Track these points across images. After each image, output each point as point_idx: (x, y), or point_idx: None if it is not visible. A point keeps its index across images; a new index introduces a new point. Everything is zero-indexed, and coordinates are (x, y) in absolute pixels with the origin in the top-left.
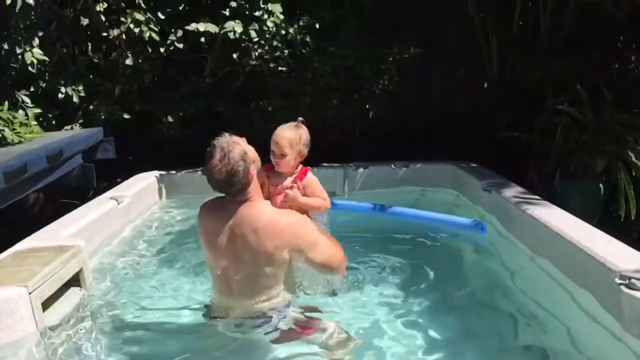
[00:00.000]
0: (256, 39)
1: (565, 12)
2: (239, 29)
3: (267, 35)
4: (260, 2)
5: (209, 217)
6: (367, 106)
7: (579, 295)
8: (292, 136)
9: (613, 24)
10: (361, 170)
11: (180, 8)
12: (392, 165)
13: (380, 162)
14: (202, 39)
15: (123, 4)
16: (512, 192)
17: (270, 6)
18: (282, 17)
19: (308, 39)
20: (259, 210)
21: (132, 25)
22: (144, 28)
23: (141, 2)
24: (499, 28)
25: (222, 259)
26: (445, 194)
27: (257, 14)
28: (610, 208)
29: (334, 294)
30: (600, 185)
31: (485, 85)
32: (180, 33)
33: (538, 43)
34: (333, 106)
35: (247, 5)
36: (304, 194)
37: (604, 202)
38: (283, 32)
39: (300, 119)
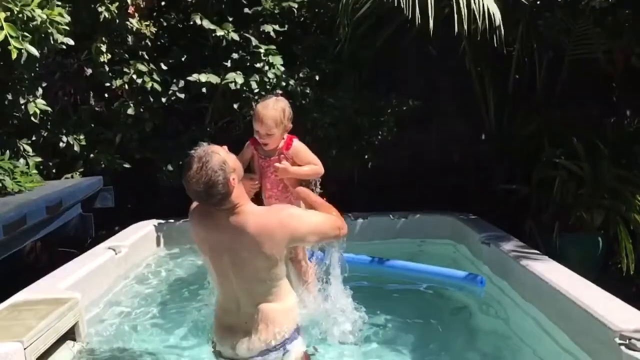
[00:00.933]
0: (257, 90)
1: (560, 67)
2: (240, 80)
3: (268, 87)
4: (262, 55)
5: (199, 225)
6: (366, 156)
7: (578, 354)
8: (276, 114)
9: (607, 80)
10: (360, 220)
11: (183, 59)
12: (391, 216)
13: (379, 212)
14: (204, 89)
15: (126, 55)
16: (511, 245)
17: (271, 58)
18: (282, 69)
19: (308, 91)
20: (246, 217)
21: (134, 76)
22: (147, 79)
23: (144, 53)
24: (495, 82)
25: (219, 267)
26: (444, 246)
27: (258, 65)
28: (609, 262)
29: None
30: (599, 239)
31: (483, 137)
32: (182, 83)
33: (534, 97)
34: (332, 156)
35: (249, 57)
36: (294, 164)
37: (603, 256)
38: (283, 83)
39: (278, 91)
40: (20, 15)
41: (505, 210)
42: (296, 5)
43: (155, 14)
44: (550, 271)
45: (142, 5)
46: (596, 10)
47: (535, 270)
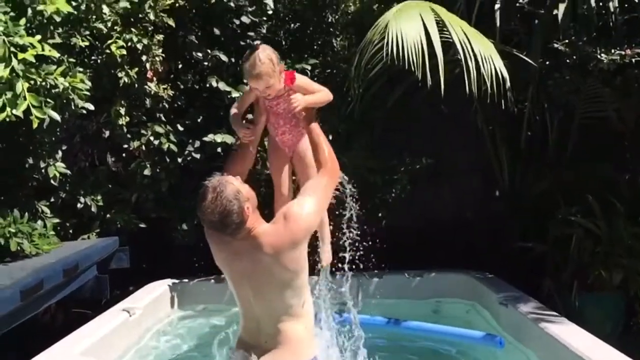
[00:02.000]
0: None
1: (572, 125)
2: None
3: None
4: None
5: (218, 250)
6: (380, 215)
7: None
8: (268, 66)
9: (619, 137)
10: (375, 279)
11: (199, 120)
12: (406, 275)
13: (394, 271)
14: (219, 149)
15: (144, 118)
16: (530, 307)
17: None
18: None
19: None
20: (260, 240)
21: (152, 138)
22: (164, 140)
23: (162, 115)
24: (507, 140)
25: (240, 289)
26: (460, 305)
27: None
28: (631, 322)
29: None
30: (619, 298)
31: (497, 194)
32: (197, 144)
33: (547, 154)
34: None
35: None
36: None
37: (624, 316)
38: None
39: (257, 42)
40: (44, 84)
41: (520, 268)
42: (309, 67)
43: (172, 76)
44: (571, 334)
45: (160, 70)
46: (605, 71)
47: (555, 333)
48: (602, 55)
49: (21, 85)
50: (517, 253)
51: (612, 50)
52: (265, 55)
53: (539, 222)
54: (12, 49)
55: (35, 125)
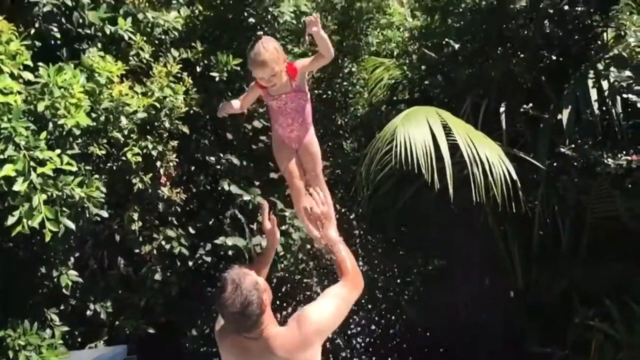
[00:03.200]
0: (282, 253)
1: (584, 224)
2: (265, 244)
3: (293, 248)
4: (287, 218)
5: (229, 349)
6: (393, 317)
7: None
8: (272, 54)
9: (633, 236)
10: None
11: (210, 223)
12: None
13: None
14: (230, 252)
15: (157, 222)
16: None
17: (296, 222)
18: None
19: None
20: (273, 342)
21: (163, 242)
22: (175, 244)
23: (174, 219)
24: (519, 239)
25: None
26: None
27: (283, 227)
28: None
29: None
30: None
31: (512, 294)
32: (209, 246)
33: (560, 253)
34: (358, 317)
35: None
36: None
37: None
38: (308, 246)
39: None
40: (60, 194)
41: None
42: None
43: (185, 177)
44: None
45: (173, 174)
46: (612, 173)
47: None
48: (609, 160)
49: (38, 199)
50: (536, 357)
51: (619, 155)
52: (270, 44)
53: (556, 324)
54: (31, 163)
55: (47, 239)
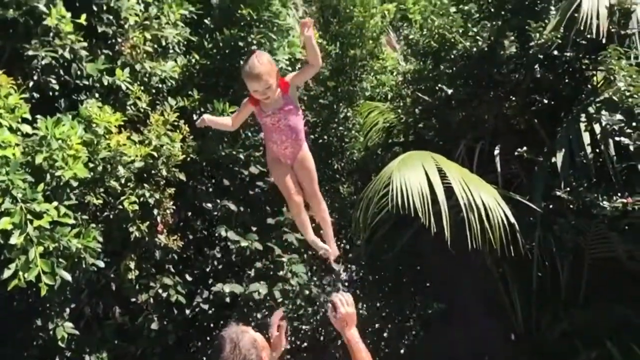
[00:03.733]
0: (280, 299)
1: (582, 265)
2: (263, 290)
3: (291, 295)
4: (285, 263)
5: None
6: None
7: None
8: (266, 66)
9: (632, 277)
10: None
11: (207, 269)
12: None
13: None
14: (228, 299)
15: (153, 270)
16: None
17: (294, 267)
18: (305, 277)
19: None
20: None
21: (160, 290)
22: (172, 291)
23: (171, 266)
24: (518, 280)
25: None
26: None
27: (280, 273)
28: None
29: None
30: None
31: (513, 337)
32: (206, 294)
33: (560, 294)
34: None
35: (272, 266)
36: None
37: None
38: (307, 291)
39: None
40: (56, 245)
41: None
42: None
43: (181, 224)
44: None
45: (170, 221)
46: (608, 216)
47: None
48: (605, 202)
49: (34, 251)
50: None
51: (614, 198)
52: (264, 58)
53: None
54: (28, 215)
55: (43, 293)
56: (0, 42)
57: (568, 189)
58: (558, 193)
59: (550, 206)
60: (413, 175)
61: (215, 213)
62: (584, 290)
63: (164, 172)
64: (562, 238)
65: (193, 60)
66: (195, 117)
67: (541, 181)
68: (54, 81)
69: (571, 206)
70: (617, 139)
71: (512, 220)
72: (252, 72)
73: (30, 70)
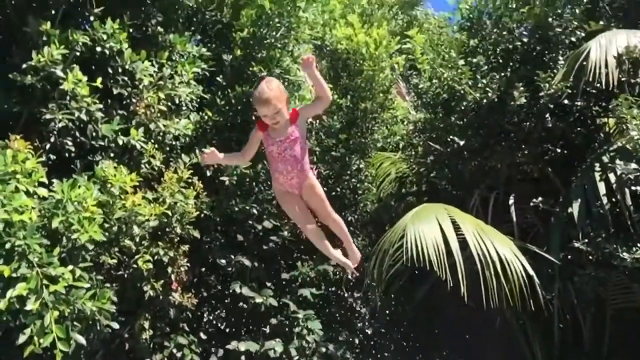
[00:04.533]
0: (297, 358)
1: (605, 315)
2: (279, 348)
3: (307, 352)
4: (300, 320)
5: None
6: None
7: None
8: (276, 92)
9: None
10: None
11: (222, 327)
12: None
13: None
14: (243, 358)
15: (167, 329)
16: None
17: (309, 324)
18: (321, 333)
19: (348, 355)
20: None
21: (174, 350)
22: (186, 351)
23: (185, 325)
24: (539, 334)
25: None
26: None
27: (296, 330)
28: None
29: None
30: None
31: None
32: (221, 352)
33: (582, 348)
34: None
35: (287, 322)
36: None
37: None
38: (323, 349)
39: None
40: (71, 308)
41: None
42: (331, 268)
43: (195, 280)
44: None
45: (184, 279)
46: (628, 267)
47: None
48: (625, 254)
49: (49, 317)
50: None
51: (634, 248)
52: (273, 84)
53: None
54: (44, 280)
55: (58, 359)
56: (18, 107)
57: (586, 240)
58: (577, 244)
59: (569, 257)
60: (427, 229)
61: (229, 269)
62: (607, 342)
63: (178, 230)
64: (583, 289)
65: (206, 117)
66: (209, 173)
67: (558, 232)
68: (70, 143)
69: (590, 257)
70: (633, 188)
71: (531, 272)
72: (262, 97)
73: (47, 132)
